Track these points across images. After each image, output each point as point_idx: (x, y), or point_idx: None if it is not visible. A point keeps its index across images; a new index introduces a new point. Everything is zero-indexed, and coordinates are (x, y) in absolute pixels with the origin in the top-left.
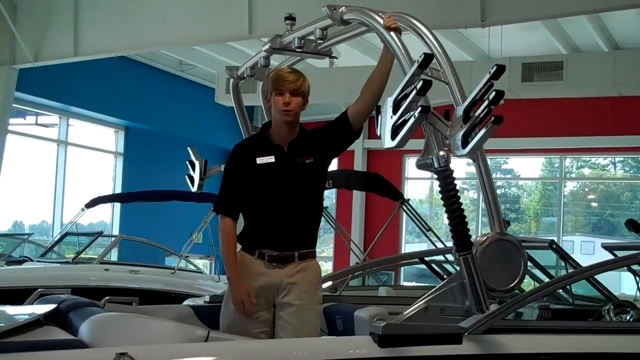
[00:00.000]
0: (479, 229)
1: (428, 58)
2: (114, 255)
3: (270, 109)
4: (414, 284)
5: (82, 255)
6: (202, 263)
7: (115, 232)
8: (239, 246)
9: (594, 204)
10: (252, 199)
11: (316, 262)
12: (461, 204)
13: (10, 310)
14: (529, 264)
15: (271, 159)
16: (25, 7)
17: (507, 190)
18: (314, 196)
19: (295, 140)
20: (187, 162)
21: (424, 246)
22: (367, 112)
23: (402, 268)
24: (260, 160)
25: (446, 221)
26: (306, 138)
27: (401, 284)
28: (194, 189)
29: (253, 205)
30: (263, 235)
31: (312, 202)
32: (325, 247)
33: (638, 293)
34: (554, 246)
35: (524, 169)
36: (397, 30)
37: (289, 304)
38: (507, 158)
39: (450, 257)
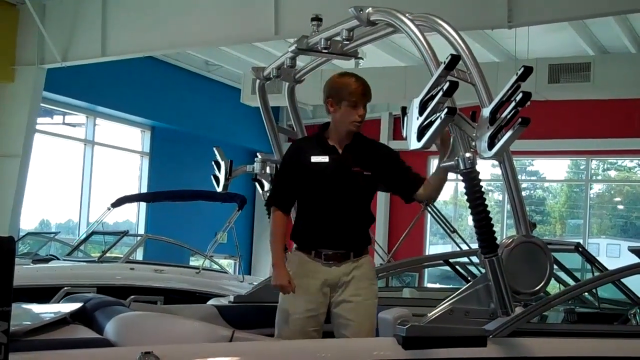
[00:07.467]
0: (504, 230)
1: (455, 59)
2: (139, 255)
3: (335, 114)
4: (437, 285)
5: (107, 255)
6: (226, 263)
7: (141, 231)
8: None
9: (620, 207)
10: (306, 198)
11: (369, 257)
12: (487, 205)
13: (37, 308)
14: (555, 266)
15: (325, 158)
16: (54, 7)
17: (532, 192)
18: (366, 202)
19: (351, 145)
20: (213, 163)
21: (448, 248)
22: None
23: (426, 270)
24: (314, 159)
25: (471, 223)
26: (361, 145)
27: (425, 285)
28: (220, 189)
29: (307, 205)
30: (319, 235)
31: (365, 206)
32: None
33: None
34: (580, 249)
35: (550, 170)
36: None
37: (347, 300)
38: (532, 160)
39: (474, 259)
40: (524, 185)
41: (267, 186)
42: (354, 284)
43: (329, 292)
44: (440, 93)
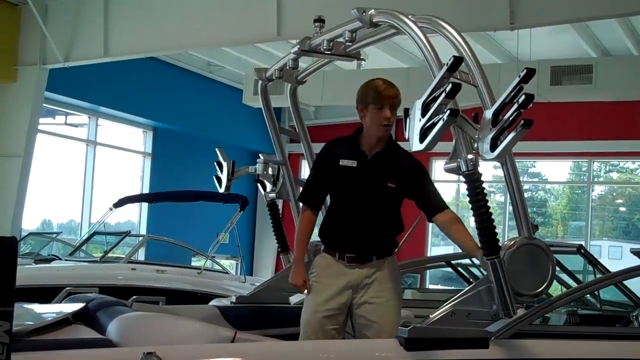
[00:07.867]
0: (506, 232)
1: (457, 61)
2: (141, 255)
3: (364, 119)
4: (439, 287)
5: (109, 255)
6: (228, 263)
7: (143, 231)
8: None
9: (622, 209)
10: (334, 199)
11: (394, 258)
12: (489, 207)
13: (39, 308)
14: (557, 268)
15: (353, 163)
16: (56, 7)
17: (534, 193)
18: (391, 210)
19: (381, 153)
20: (215, 163)
21: (450, 249)
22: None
23: (428, 271)
24: (343, 162)
25: (473, 224)
26: (391, 155)
27: (427, 287)
28: (222, 190)
29: (334, 206)
30: (342, 237)
31: (389, 214)
32: None
33: None
34: (582, 251)
35: (552, 172)
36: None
37: (369, 302)
38: (534, 161)
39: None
40: (526, 186)
41: (269, 187)
42: (375, 286)
43: (352, 293)
44: (443, 95)
